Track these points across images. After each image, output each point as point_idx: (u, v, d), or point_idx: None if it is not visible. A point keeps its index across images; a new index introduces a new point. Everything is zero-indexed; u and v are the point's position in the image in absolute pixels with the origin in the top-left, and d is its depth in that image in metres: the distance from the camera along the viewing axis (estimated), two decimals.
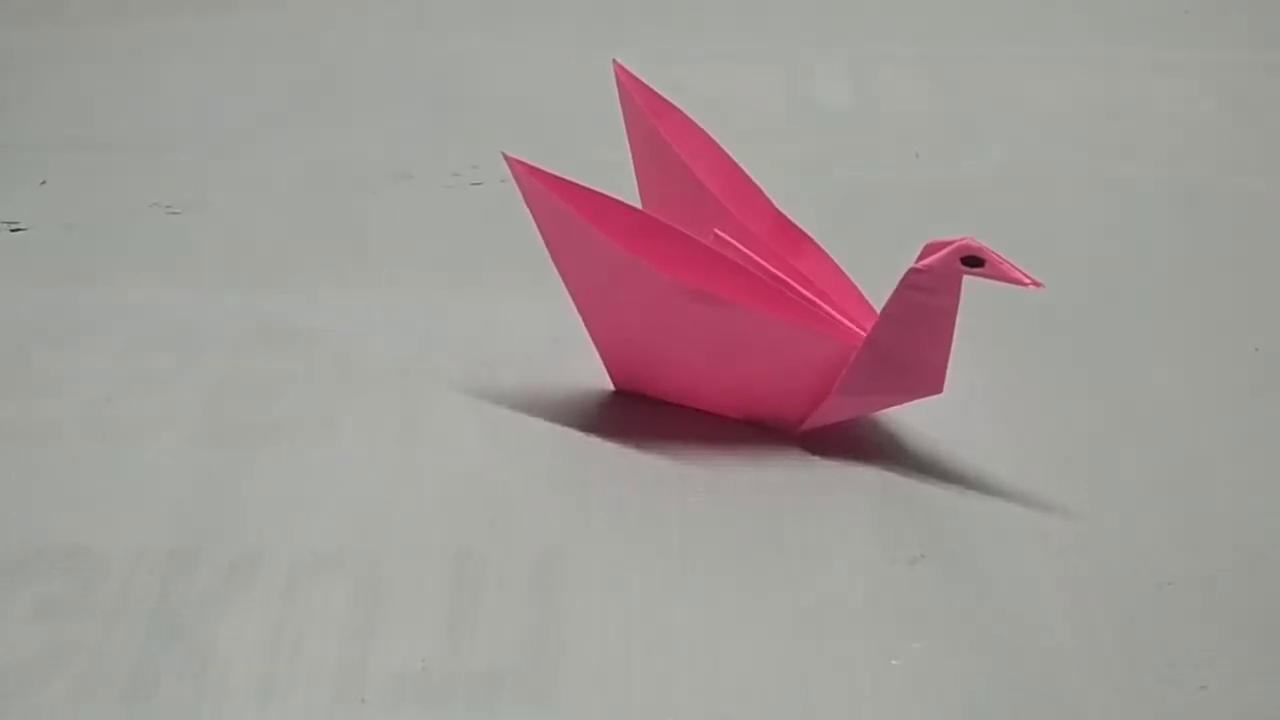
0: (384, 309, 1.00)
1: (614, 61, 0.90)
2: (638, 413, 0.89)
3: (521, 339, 0.96)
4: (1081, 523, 0.81)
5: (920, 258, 0.78)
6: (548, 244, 0.85)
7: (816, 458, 0.85)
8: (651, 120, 0.88)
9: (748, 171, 0.90)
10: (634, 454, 0.85)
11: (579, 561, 0.78)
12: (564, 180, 0.82)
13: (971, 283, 0.79)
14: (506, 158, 0.82)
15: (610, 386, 0.91)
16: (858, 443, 0.86)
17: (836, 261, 0.88)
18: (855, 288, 0.87)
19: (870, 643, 0.73)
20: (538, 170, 0.82)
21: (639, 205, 0.91)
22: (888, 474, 0.84)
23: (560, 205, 0.82)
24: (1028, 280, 0.75)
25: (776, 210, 0.89)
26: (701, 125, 0.91)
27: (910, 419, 0.87)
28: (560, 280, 0.87)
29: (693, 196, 0.88)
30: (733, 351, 0.84)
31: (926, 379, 0.81)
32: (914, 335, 0.79)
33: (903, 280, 0.78)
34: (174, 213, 1.12)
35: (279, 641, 0.73)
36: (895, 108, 1.31)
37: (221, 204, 1.13)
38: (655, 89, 0.91)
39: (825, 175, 1.19)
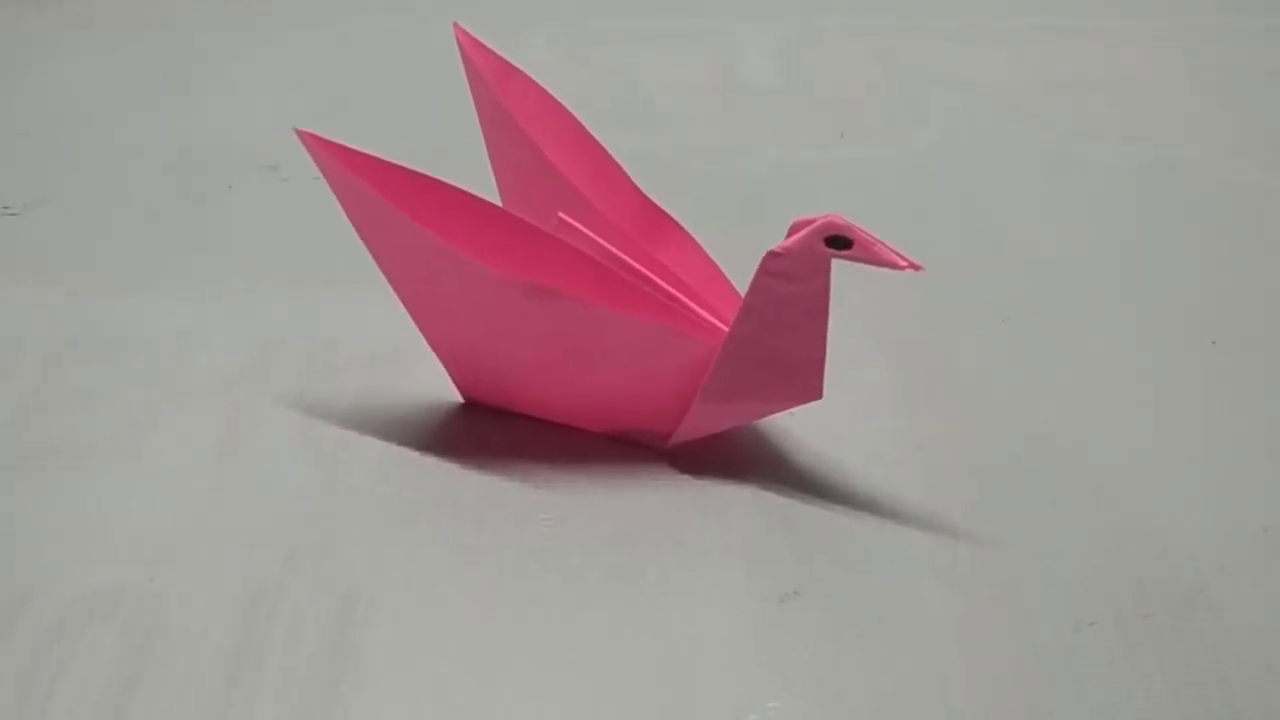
0: (220, 314, 0.88)
1: (454, 25, 0.79)
2: (485, 428, 0.77)
3: (370, 345, 0.84)
4: (990, 553, 0.68)
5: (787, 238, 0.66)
6: (361, 235, 0.73)
7: (686, 476, 0.73)
8: (494, 88, 0.77)
9: (609, 149, 0.79)
10: (475, 476, 0.74)
11: (392, 605, 0.66)
12: (372, 159, 0.70)
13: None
14: (300, 134, 0.70)
15: (460, 399, 0.79)
16: (734, 458, 0.74)
17: (707, 250, 0.76)
18: (728, 281, 0.75)
19: (720, 699, 0.61)
20: (339, 147, 0.70)
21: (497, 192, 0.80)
22: (765, 494, 0.72)
23: (365, 190, 0.70)
24: (903, 263, 0.63)
25: (638, 191, 0.77)
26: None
27: (797, 430, 0.75)
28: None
29: (542, 175, 0.76)
30: (584, 356, 0.72)
31: (801, 382, 0.69)
32: (780, 330, 0.67)
33: (760, 266, 0.66)
34: (11, 214, 1.01)
35: (24, 703, 0.61)
36: (826, 83, 1.21)
37: (66, 201, 1.03)
38: (505, 57, 0.79)
39: (747, 157, 1.09)
